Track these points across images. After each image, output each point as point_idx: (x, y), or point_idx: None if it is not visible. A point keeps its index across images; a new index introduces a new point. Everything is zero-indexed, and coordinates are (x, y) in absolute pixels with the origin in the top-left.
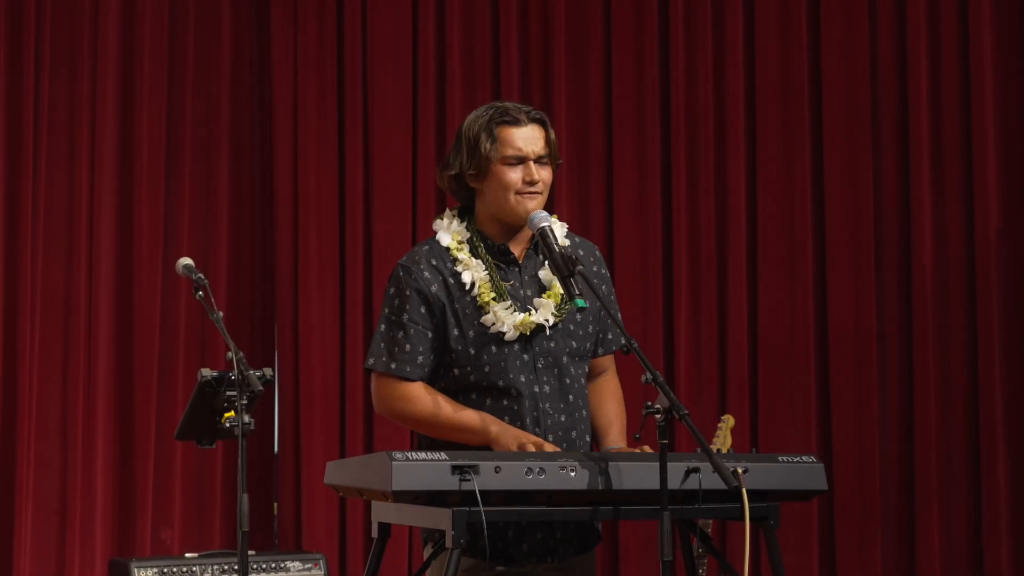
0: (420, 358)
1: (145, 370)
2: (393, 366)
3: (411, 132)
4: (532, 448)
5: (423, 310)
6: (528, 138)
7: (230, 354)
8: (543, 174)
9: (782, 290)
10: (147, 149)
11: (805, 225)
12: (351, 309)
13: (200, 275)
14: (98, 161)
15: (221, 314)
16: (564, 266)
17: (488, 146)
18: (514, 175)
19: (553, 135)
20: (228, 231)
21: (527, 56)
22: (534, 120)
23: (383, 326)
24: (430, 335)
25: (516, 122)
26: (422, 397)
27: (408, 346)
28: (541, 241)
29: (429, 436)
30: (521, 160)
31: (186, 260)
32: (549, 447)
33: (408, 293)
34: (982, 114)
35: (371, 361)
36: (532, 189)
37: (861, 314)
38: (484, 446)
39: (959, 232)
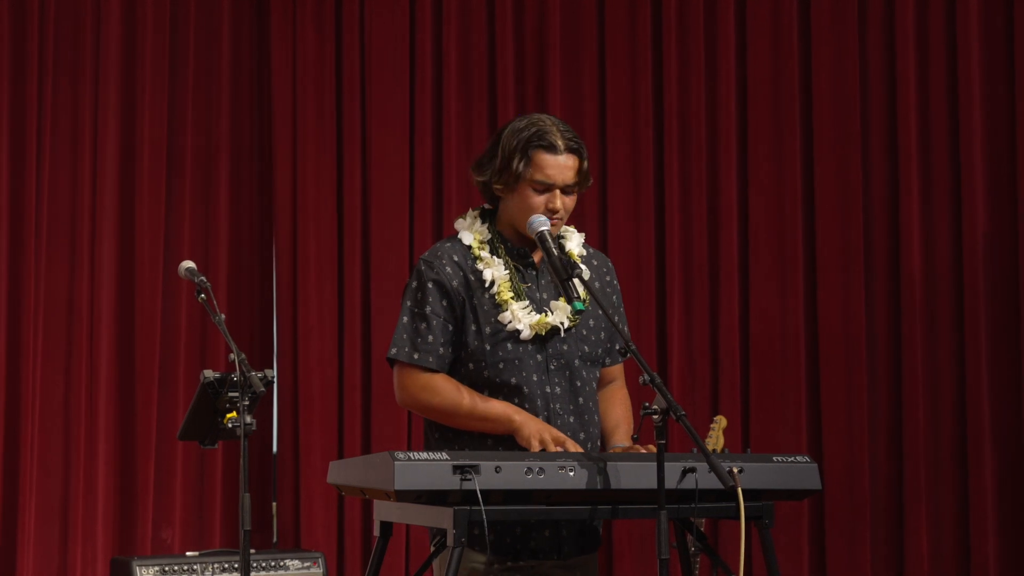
0: (441, 349)
1: (146, 372)
2: (416, 356)
3: (408, 138)
4: (553, 445)
5: (444, 303)
6: (561, 167)
7: (232, 356)
8: (566, 202)
9: (773, 293)
10: (148, 154)
11: (795, 229)
12: (349, 311)
13: (202, 278)
14: (100, 166)
15: (223, 316)
16: (562, 269)
17: (521, 167)
18: (538, 200)
19: (587, 164)
20: (228, 235)
21: (522, 63)
22: (571, 150)
23: (405, 318)
24: (451, 328)
25: (552, 148)
26: (446, 388)
27: (431, 337)
28: (539, 245)
29: (451, 427)
30: (548, 188)
31: (189, 263)
32: (572, 444)
33: (430, 286)
34: (969, 119)
35: (394, 351)
36: (552, 217)
37: (850, 317)
38: (500, 436)
39: (947, 236)
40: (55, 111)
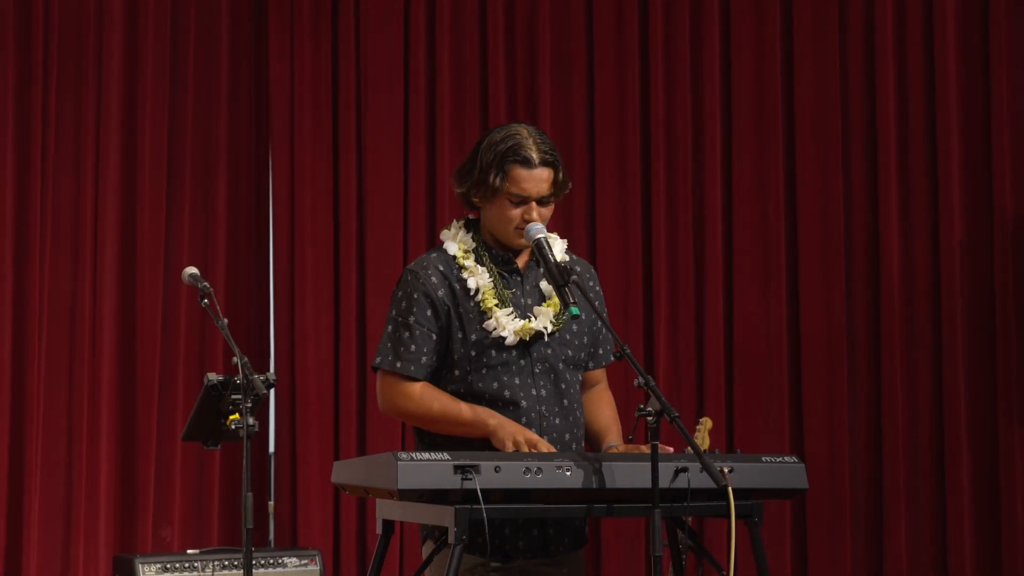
0: (424, 358)
1: (147, 375)
2: (398, 365)
3: (402, 146)
4: (526, 446)
5: (429, 313)
6: (536, 181)
7: (235, 359)
8: (542, 212)
9: (757, 297)
10: (149, 163)
11: (778, 235)
12: (345, 316)
13: (205, 283)
14: (102, 175)
15: (226, 321)
16: (559, 275)
17: (497, 181)
18: (514, 212)
19: (562, 175)
20: (226, 241)
21: (513, 74)
22: (545, 163)
23: (390, 327)
24: (434, 337)
25: (527, 163)
26: (424, 395)
27: (413, 346)
28: (537, 252)
29: (430, 432)
30: (524, 201)
31: (192, 269)
32: (544, 445)
33: (416, 296)
34: (947, 130)
35: (378, 360)
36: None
37: (832, 320)
38: (484, 439)
39: (925, 242)
40: (59, 120)
